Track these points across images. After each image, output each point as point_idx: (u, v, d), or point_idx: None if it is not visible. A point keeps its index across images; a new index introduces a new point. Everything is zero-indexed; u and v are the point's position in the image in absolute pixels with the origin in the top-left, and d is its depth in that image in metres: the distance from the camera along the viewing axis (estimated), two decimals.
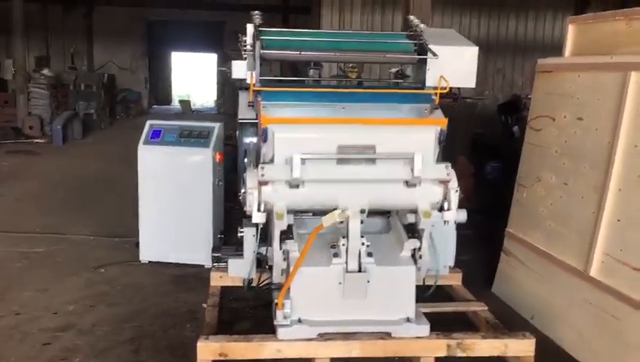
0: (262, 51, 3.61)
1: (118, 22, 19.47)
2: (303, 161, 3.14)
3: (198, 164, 5.01)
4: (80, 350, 3.66)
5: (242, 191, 3.30)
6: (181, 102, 22.22)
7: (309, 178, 3.18)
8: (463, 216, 3.93)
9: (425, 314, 4.03)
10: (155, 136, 5.13)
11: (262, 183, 3.17)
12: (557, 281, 4.04)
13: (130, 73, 20.04)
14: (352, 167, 3.25)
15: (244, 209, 3.30)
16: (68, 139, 12.91)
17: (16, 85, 13.71)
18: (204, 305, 4.10)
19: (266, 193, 3.19)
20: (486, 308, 4.16)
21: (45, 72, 14.11)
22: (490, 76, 15.12)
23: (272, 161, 3.25)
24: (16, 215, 6.83)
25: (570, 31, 4.33)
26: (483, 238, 5.98)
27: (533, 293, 4.30)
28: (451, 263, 4.40)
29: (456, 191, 3.32)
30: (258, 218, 3.22)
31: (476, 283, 4.97)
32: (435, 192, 3.33)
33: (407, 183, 3.29)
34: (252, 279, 3.77)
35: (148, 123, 5.27)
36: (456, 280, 4.59)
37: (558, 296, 4.01)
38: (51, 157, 10.99)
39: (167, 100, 24.25)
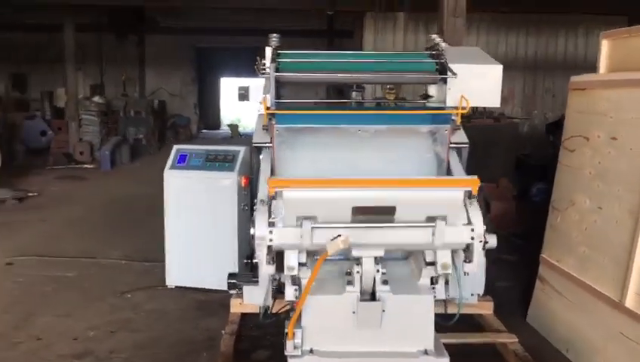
0: (276, 74, 3.56)
1: (169, 50, 20.04)
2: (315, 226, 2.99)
3: (224, 188, 4.97)
4: None
5: (251, 232, 3.12)
6: (230, 126, 22.57)
7: (321, 243, 3.00)
8: (493, 241, 3.72)
9: (451, 345, 3.84)
10: (181, 160, 5.15)
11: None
12: (592, 312, 3.78)
13: (180, 99, 20.54)
14: (368, 231, 3.06)
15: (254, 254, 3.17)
16: (116, 164, 13.23)
17: (68, 112, 14.16)
18: (224, 332, 4.03)
19: (276, 240, 3.03)
20: (516, 339, 3.94)
21: (96, 99, 14.57)
22: (539, 96, 14.72)
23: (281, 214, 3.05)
24: (56, 239, 6.96)
25: (604, 46, 4.10)
26: (524, 264, 5.72)
27: (568, 324, 4.04)
28: (480, 291, 4.18)
29: (481, 241, 3.09)
30: (267, 270, 3.08)
31: (512, 312, 4.75)
32: (456, 244, 3.14)
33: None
34: (268, 306, 3.66)
35: (175, 148, 5.29)
36: (487, 308, 4.39)
37: (594, 328, 3.74)
38: (98, 182, 11.25)
39: (217, 125, 24.67)
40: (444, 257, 3.18)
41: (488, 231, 3.69)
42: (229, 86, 26.70)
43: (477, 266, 3.13)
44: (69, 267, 5.84)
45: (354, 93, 4.37)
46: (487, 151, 8.33)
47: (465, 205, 3.12)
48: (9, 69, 18.77)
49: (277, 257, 3.31)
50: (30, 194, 9.52)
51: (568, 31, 14.26)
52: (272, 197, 3.04)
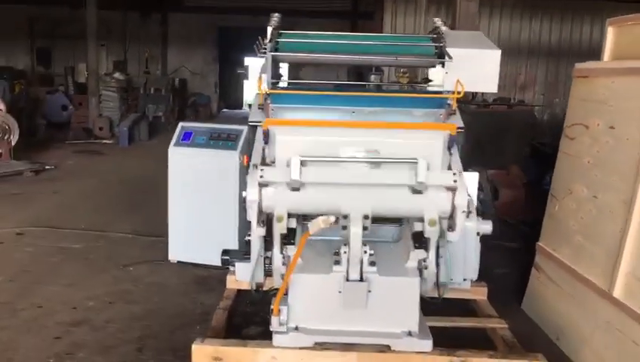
0: (272, 54, 3.59)
1: (192, 28, 20.14)
2: (303, 163, 3.08)
3: (226, 167, 5.02)
4: (87, 345, 3.74)
5: (244, 195, 3.25)
6: (249, 106, 22.58)
7: (309, 180, 3.11)
8: (487, 227, 3.74)
9: (442, 328, 3.89)
10: (186, 138, 5.21)
11: (261, 185, 3.13)
12: (583, 301, 3.77)
13: (201, 78, 20.64)
14: (354, 170, 3.16)
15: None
16: (134, 140, 13.38)
17: (89, 88, 14.34)
18: (218, 307, 4.10)
19: (266, 197, 3.15)
20: (505, 325, 3.94)
21: (116, 75, 14.72)
22: (561, 83, 14.50)
23: (273, 162, 3.23)
24: (68, 212, 7.10)
25: (610, 33, 4.05)
26: (527, 252, 5.69)
27: (561, 313, 4.03)
28: (473, 276, 4.18)
29: (464, 211, 3.13)
30: (257, 231, 3.19)
31: (509, 299, 4.75)
32: (442, 200, 3.16)
33: (413, 190, 3.14)
34: (260, 283, 3.71)
35: (180, 125, 5.37)
36: (480, 294, 4.38)
37: (584, 317, 3.74)
38: (115, 158, 11.42)
39: (239, 104, 24.71)
40: (430, 214, 3.17)
41: (491, 218, 3.73)
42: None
43: (459, 234, 3.18)
44: (77, 239, 5.97)
45: (372, 76, 4.43)
46: (500, 137, 8.27)
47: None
48: (34, 44, 19.04)
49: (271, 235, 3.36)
50: (47, 167, 9.71)
51: (593, 17, 13.99)
52: (266, 142, 3.24)
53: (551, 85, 14.45)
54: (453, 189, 3.12)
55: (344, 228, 3.17)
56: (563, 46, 14.16)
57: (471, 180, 4.41)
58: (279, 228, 3.17)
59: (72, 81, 16.41)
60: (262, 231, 3.19)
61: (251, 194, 3.12)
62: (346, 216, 3.15)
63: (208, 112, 19.47)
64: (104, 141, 13.22)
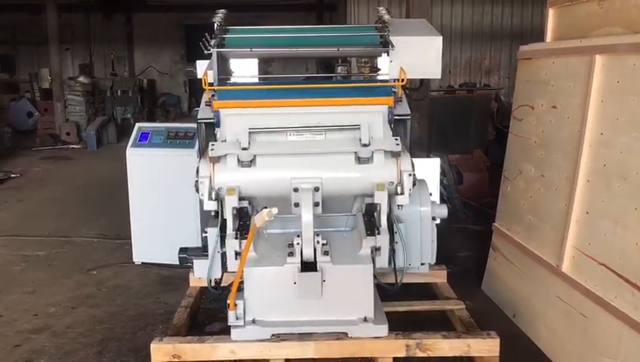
0: (217, 50, 3.60)
1: (158, 27, 19.90)
2: (252, 137, 3.20)
3: (184, 165, 5.00)
4: (46, 352, 3.74)
5: (195, 179, 3.31)
6: None
7: (258, 152, 3.20)
8: (442, 211, 3.81)
9: (402, 313, 3.96)
10: (143, 138, 5.20)
11: (213, 161, 3.20)
12: (535, 278, 3.86)
13: (170, 77, 20.44)
14: (302, 140, 3.28)
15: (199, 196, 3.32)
16: (103, 143, 13.28)
17: (54, 93, 14.16)
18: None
19: (218, 176, 3.20)
20: (463, 306, 4.02)
21: (81, 79, 14.55)
22: None
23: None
24: (32, 219, 7.05)
25: (550, 15, 4.12)
26: (492, 234, 5.79)
27: (516, 291, 4.12)
28: (431, 260, 4.26)
29: (410, 175, 3.22)
30: (210, 206, 3.27)
31: (471, 280, 4.84)
32: (388, 166, 3.23)
33: (360, 159, 3.23)
34: (218, 279, 3.73)
35: (136, 125, 5.36)
36: (440, 277, 4.45)
37: (536, 293, 3.83)
38: (82, 162, 11.32)
39: None
40: (378, 179, 3.23)
41: (457, 201, 3.77)
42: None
43: (408, 199, 3.24)
44: (41, 246, 5.93)
45: (339, 68, 4.47)
46: (463, 122, 8.36)
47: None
48: None
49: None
50: (13, 175, 9.61)
51: None
52: (217, 125, 3.34)
53: (515, 68, 14.58)
54: (397, 155, 3.21)
55: (296, 205, 3.21)
56: (525, 28, 14.26)
57: (433, 166, 4.50)
58: (231, 202, 3.22)
59: (38, 87, 16.15)
60: (213, 204, 3.25)
61: (203, 169, 3.21)
62: (296, 190, 3.20)
63: (178, 112, 19.31)
64: (72, 146, 13.09)
